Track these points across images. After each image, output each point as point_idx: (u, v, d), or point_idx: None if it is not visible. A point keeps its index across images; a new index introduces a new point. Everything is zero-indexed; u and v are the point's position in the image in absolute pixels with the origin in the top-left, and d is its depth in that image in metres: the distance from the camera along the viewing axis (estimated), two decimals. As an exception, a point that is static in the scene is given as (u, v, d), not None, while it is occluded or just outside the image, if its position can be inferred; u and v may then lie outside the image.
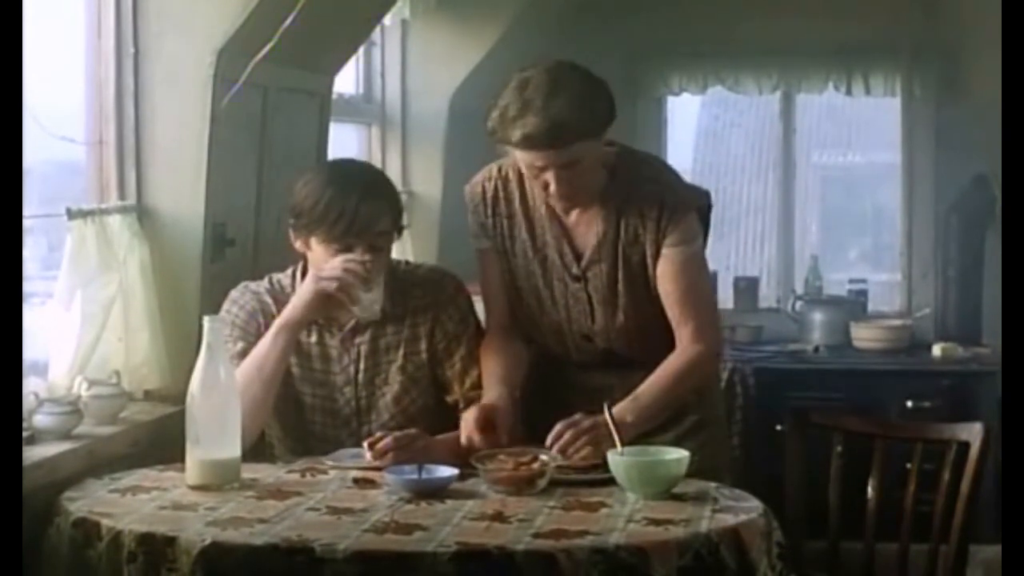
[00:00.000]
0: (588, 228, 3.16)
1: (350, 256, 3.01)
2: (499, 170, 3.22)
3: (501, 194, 3.20)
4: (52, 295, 3.22)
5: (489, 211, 3.21)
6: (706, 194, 3.25)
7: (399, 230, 3.15)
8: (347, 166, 3.32)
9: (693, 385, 3.16)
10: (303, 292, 3.06)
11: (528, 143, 2.97)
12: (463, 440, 2.96)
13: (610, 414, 2.90)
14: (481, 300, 3.29)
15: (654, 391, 3.04)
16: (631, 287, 3.15)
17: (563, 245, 3.17)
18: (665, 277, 3.12)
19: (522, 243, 3.20)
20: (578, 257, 3.17)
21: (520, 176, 3.17)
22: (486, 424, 2.95)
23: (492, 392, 3.05)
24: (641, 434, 2.98)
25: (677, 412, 3.17)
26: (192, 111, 3.41)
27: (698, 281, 3.16)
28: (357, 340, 3.14)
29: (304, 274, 3.14)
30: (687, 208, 3.14)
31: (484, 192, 3.22)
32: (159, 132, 3.44)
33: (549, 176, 3.02)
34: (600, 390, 3.14)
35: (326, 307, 3.07)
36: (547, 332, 3.26)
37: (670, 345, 3.13)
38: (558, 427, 2.91)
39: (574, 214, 3.16)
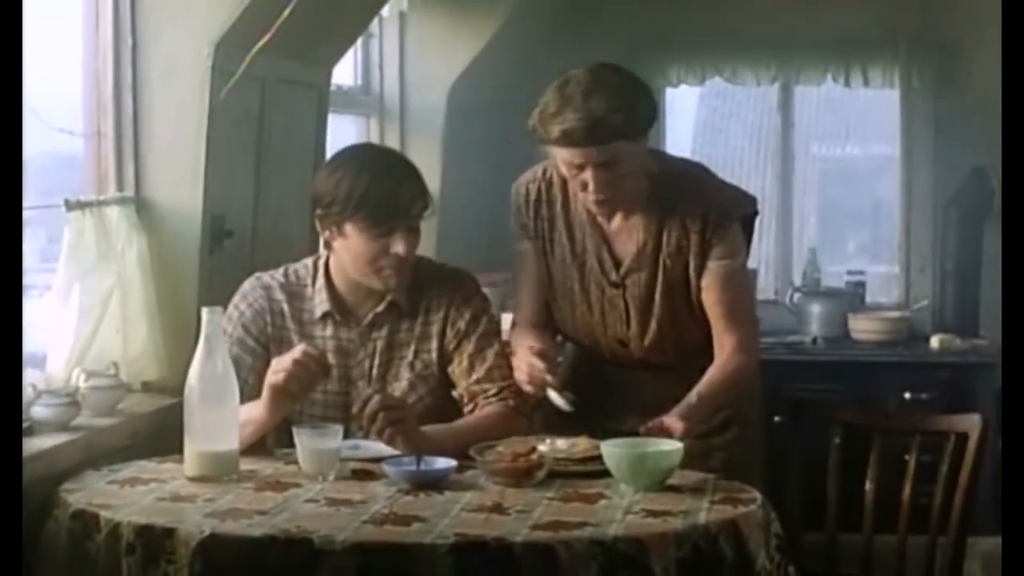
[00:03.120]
0: (629, 236, 3.16)
1: (304, 349, 2.91)
2: (544, 172, 3.22)
3: (544, 196, 3.20)
4: (50, 287, 3.22)
5: (531, 213, 3.21)
6: (751, 201, 3.25)
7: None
8: (375, 151, 3.35)
9: (737, 394, 3.16)
10: (263, 394, 2.95)
11: (566, 139, 2.96)
12: (523, 375, 3.01)
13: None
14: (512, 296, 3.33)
15: (705, 397, 3.01)
16: (669, 297, 3.15)
17: (603, 252, 3.17)
18: (709, 290, 3.13)
19: (561, 247, 3.20)
20: (617, 264, 3.17)
21: (563, 180, 3.15)
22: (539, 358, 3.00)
23: (533, 342, 3.08)
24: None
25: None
26: (190, 103, 3.41)
27: (742, 294, 3.19)
28: (374, 335, 3.13)
29: (327, 267, 3.13)
30: (730, 221, 3.14)
31: (527, 193, 3.22)
32: (157, 124, 3.44)
33: (587, 176, 3.01)
34: (633, 385, 3.18)
35: (286, 403, 2.95)
36: (582, 334, 3.27)
37: (703, 353, 3.14)
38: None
39: (615, 221, 3.16)
